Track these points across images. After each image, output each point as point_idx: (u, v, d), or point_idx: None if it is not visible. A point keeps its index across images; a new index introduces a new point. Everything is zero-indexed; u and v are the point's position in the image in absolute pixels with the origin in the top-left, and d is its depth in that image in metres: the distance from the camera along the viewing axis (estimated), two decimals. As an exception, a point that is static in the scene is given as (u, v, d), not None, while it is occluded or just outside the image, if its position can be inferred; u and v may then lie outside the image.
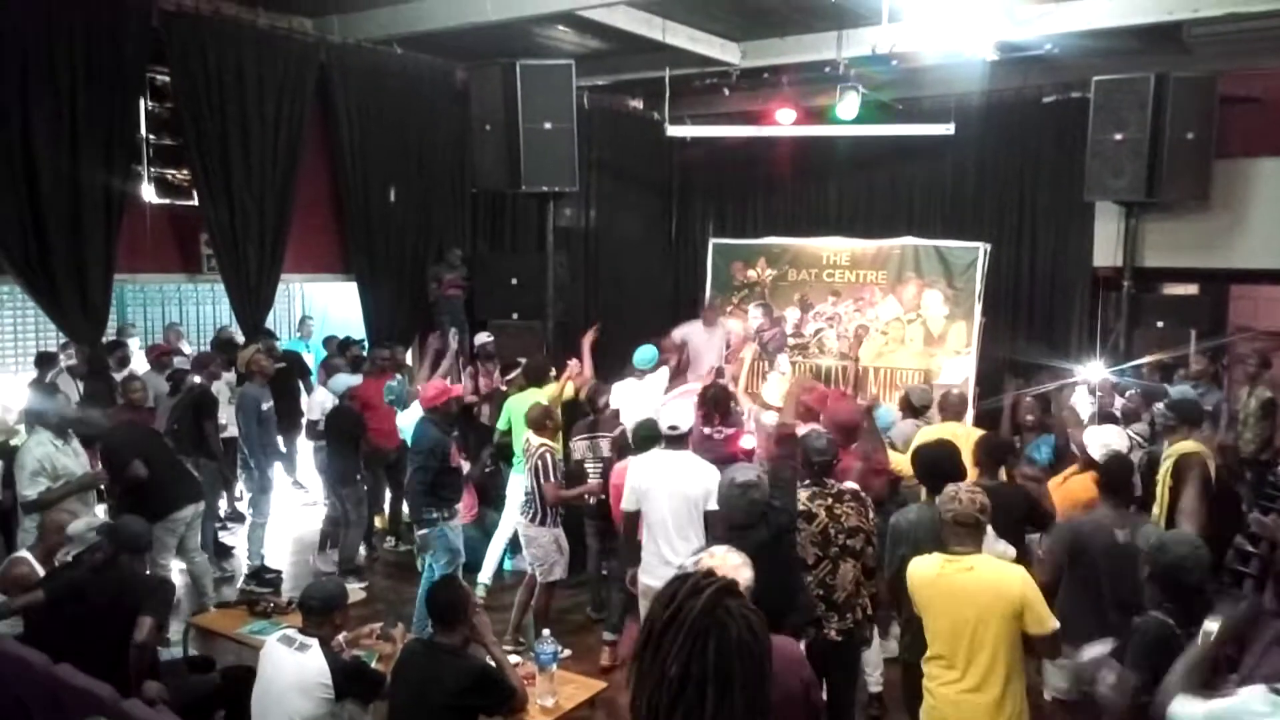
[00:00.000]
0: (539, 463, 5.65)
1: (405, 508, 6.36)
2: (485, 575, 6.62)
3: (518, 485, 6.42)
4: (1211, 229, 9.31)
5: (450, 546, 5.84)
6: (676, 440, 4.91)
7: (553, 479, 5.64)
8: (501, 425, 6.82)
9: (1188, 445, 5.02)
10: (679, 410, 5.09)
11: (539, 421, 5.83)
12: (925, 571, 3.39)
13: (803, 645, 3.79)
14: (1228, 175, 9.14)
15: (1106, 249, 9.88)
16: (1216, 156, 8.91)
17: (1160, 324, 9.16)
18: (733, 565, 2.94)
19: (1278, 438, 7.78)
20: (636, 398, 6.84)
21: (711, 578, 1.62)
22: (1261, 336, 9.21)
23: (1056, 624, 3.26)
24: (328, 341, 9.35)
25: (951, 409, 5.72)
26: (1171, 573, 3.01)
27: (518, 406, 6.53)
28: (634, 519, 4.88)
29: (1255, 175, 9.26)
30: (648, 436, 5.37)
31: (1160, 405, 5.82)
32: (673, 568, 4.53)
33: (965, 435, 5.10)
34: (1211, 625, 2.64)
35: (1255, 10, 7.37)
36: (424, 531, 5.80)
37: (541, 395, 6.46)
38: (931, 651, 3.39)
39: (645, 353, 7.37)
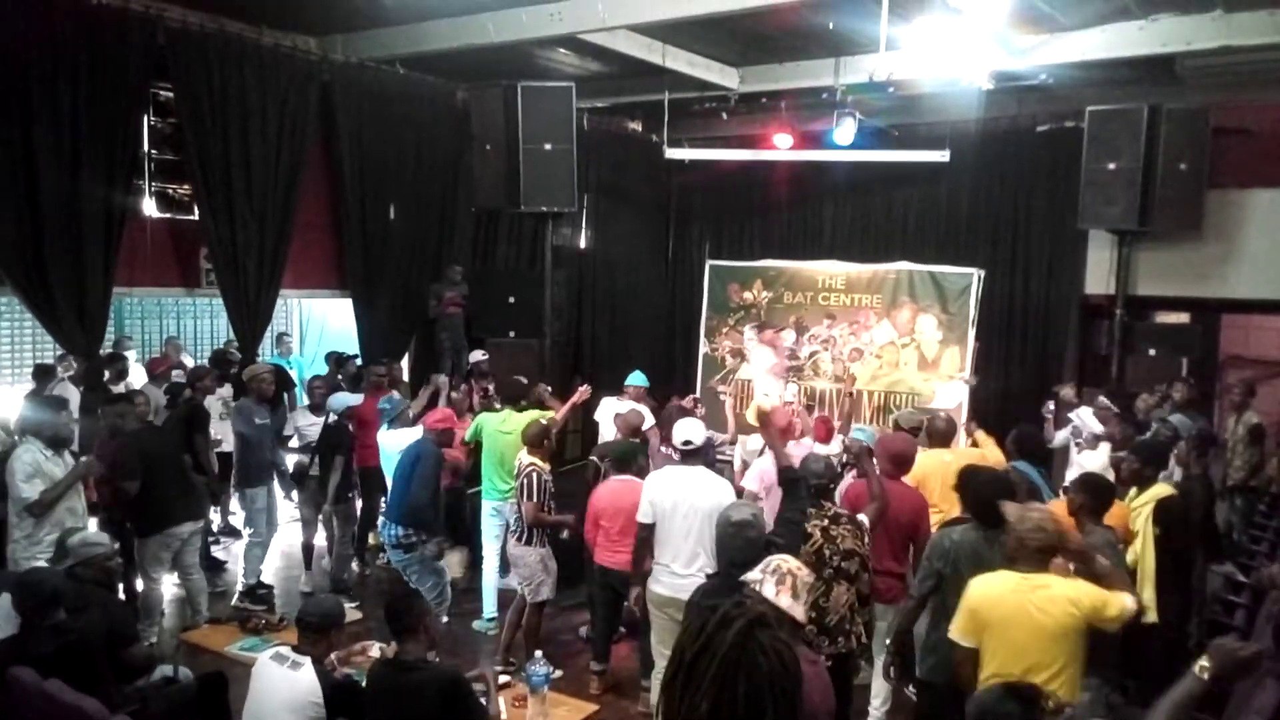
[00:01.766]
0: (525, 481, 5.62)
1: (384, 531, 6.12)
2: (490, 608, 6.53)
3: (486, 509, 6.44)
4: (1203, 258, 9.40)
5: (433, 569, 5.86)
6: (691, 455, 4.95)
7: (535, 499, 5.58)
8: (468, 437, 6.78)
9: (1163, 489, 5.02)
10: (692, 426, 5.12)
11: (536, 439, 5.81)
12: (998, 589, 3.43)
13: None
14: (1220, 206, 9.24)
15: (1099, 277, 9.96)
16: (1209, 187, 9.02)
17: (1152, 352, 9.23)
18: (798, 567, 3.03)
19: (1267, 464, 7.85)
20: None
21: (741, 609, 1.60)
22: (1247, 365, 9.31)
23: (1133, 603, 3.40)
24: (328, 357, 9.37)
25: (938, 435, 5.72)
26: None
27: (489, 424, 6.55)
28: (648, 531, 4.91)
29: (1247, 206, 9.36)
30: (622, 457, 5.43)
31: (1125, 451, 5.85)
32: (681, 579, 4.57)
33: (954, 462, 5.12)
34: (1205, 662, 2.62)
35: (1247, 44, 7.47)
36: (409, 555, 5.77)
37: (521, 418, 6.43)
38: (996, 670, 3.39)
39: (636, 377, 7.42)
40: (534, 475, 5.62)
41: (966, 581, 3.84)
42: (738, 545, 3.73)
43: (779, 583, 2.97)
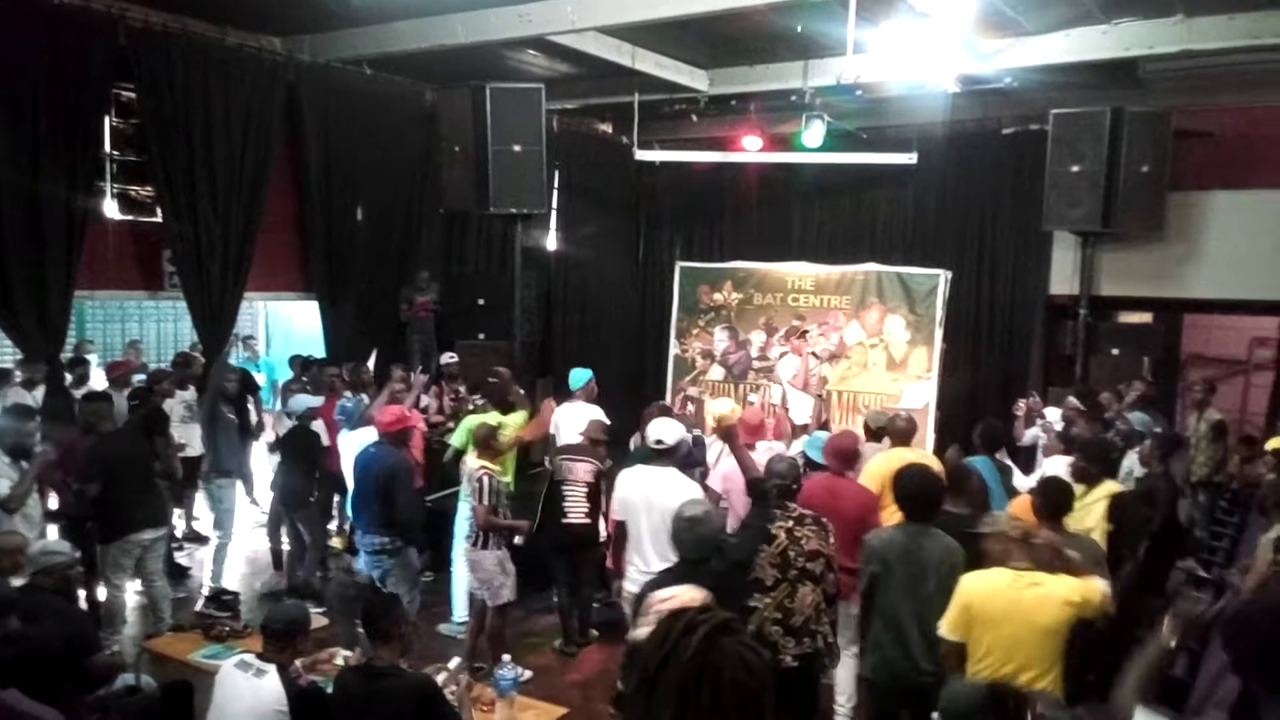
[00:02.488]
0: (475, 484, 5.57)
1: (363, 539, 5.96)
2: (460, 613, 6.48)
3: (462, 511, 6.33)
4: (1165, 259, 9.54)
5: (411, 576, 5.80)
6: (662, 455, 4.94)
7: (485, 502, 5.51)
8: (458, 443, 6.73)
9: (1114, 485, 5.15)
10: (665, 425, 5.11)
11: (483, 441, 5.79)
12: (991, 585, 3.47)
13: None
14: (1182, 207, 9.39)
15: (1063, 278, 10.09)
16: (1171, 189, 9.16)
17: (1115, 351, 9.36)
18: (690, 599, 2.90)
19: (1230, 462, 7.98)
20: (571, 419, 6.89)
21: (707, 614, 1.56)
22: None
23: (1106, 586, 3.50)
24: (293, 361, 9.28)
25: (898, 434, 5.76)
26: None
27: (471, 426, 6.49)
28: (622, 528, 4.91)
29: (1208, 207, 9.51)
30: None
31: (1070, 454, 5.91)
32: (650, 577, 4.57)
33: (915, 460, 5.14)
34: (1170, 624, 2.66)
35: (1208, 48, 7.59)
36: (391, 561, 5.69)
37: (506, 421, 6.43)
38: (985, 664, 3.45)
39: (578, 374, 7.40)
40: (484, 479, 5.55)
41: (899, 579, 3.92)
42: (689, 541, 3.73)
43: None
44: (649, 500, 4.86)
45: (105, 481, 5.69)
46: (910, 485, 4.16)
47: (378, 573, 5.74)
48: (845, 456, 5.16)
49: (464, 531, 6.25)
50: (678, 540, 3.79)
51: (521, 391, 7.40)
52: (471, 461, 5.73)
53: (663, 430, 4.99)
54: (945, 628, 3.58)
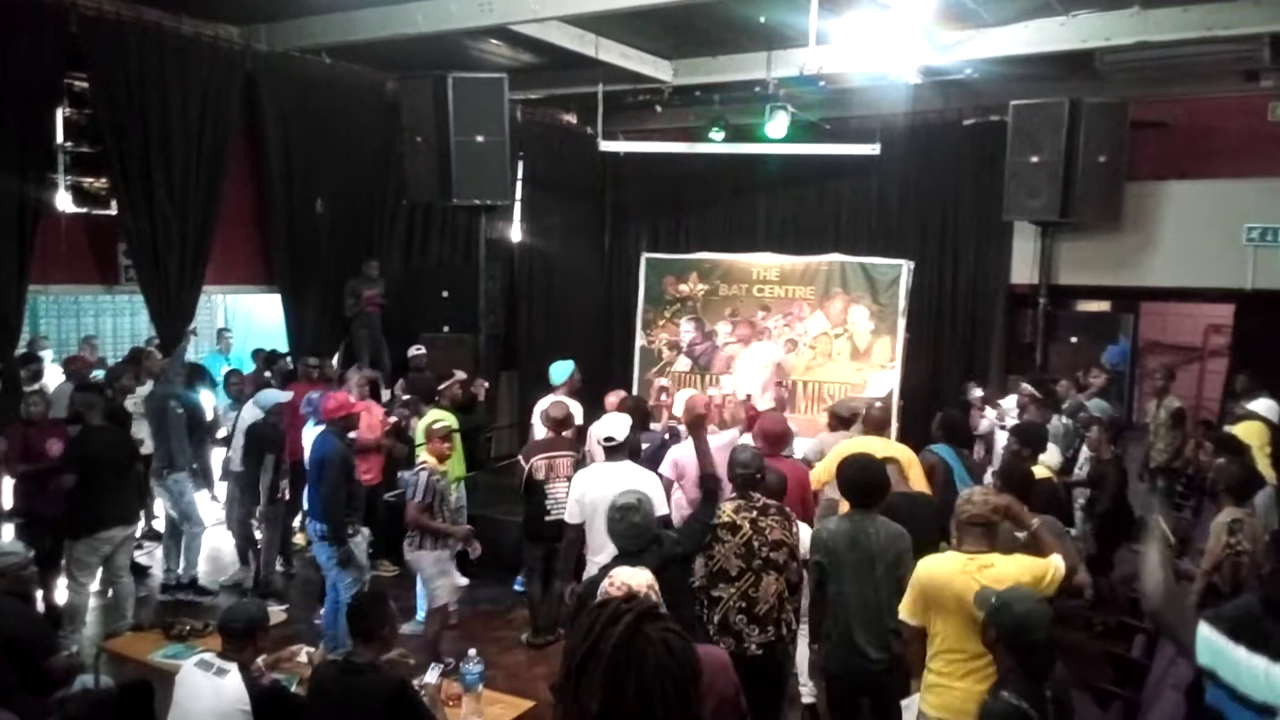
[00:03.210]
0: (412, 480, 5.47)
1: (310, 526, 5.97)
2: (421, 613, 6.35)
3: None
4: (1123, 248, 9.69)
5: (359, 563, 5.75)
6: (614, 451, 4.91)
7: (418, 499, 5.35)
8: (419, 440, 6.67)
9: (1040, 470, 5.21)
10: (615, 421, 5.07)
11: (431, 436, 5.73)
12: (944, 569, 3.49)
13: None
14: (1138, 197, 9.54)
15: (1024, 267, 10.21)
16: (1127, 179, 9.30)
17: (1074, 339, 9.51)
18: (639, 584, 2.86)
19: (1187, 447, 8.12)
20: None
21: (631, 603, 1.58)
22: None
23: (1061, 562, 3.49)
24: (255, 354, 9.14)
25: (874, 423, 5.82)
26: (1016, 632, 2.97)
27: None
28: (577, 531, 4.85)
29: (1164, 197, 9.67)
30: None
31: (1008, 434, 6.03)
32: None
33: (883, 448, 5.21)
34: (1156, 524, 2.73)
35: (1163, 39, 7.70)
36: (345, 548, 5.65)
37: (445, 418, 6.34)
38: (942, 647, 3.47)
39: (559, 367, 7.35)
40: (421, 475, 5.42)
41: (846, 568, 3.98)
42: (623, 530, 3.68)
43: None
44: (609, 498, 4.75)
45: (82, 474, 5.60)
46: (852, 473, 4.21)
47: (324, 557, 5.71)
48: (772, 439, 5.23)
49: None
50: (612, 531, 3.73)
51: (483, 386, 7.35)
52: (419, 455, 5.67)
53: (612, 427, 4.94)
54: (904, 612, 3.62)
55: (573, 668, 1.54)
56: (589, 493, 4.84)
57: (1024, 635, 2.94)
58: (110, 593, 6.15)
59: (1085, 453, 7.09)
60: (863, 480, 4.18)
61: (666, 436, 6.40)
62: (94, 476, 5.67)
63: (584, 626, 1.56)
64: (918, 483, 5.21)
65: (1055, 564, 3.49)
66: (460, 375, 7.47)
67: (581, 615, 1.61)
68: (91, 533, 5.66)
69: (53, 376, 7.91)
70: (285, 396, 7.29)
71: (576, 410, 6.83)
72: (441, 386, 7.22)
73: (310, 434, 6.55)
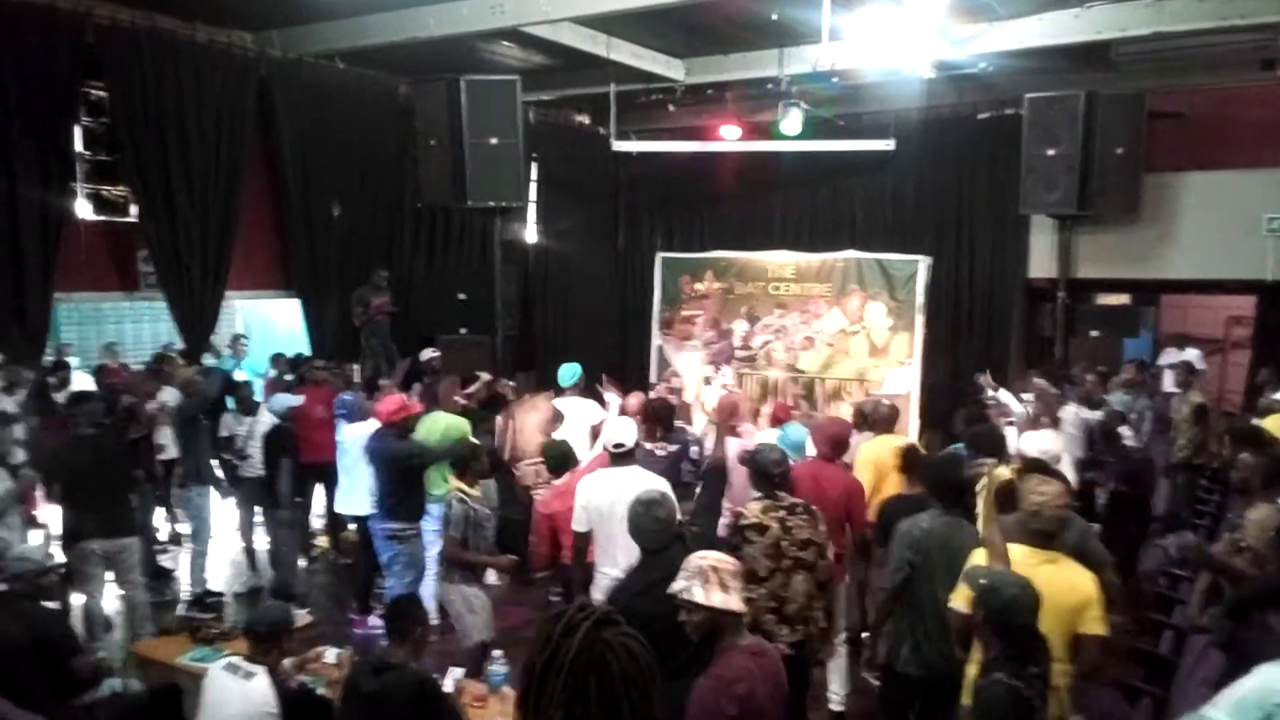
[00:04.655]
0: (445, 509, 5.02)
1: (372, 526, 5.88)
2: (431, 616, 6.36)
3: (429, 523, 5.97)
4: (1141, 241, 9.62)
5: (417, 563, 5.75)
6: (622, 457, 4.85)
7: (454, 531, 4.91)
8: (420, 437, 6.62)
9: (1003, 471, 5.09)
10: (624, 427, 5.03)
11: (462, 460, 5.19)
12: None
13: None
14: (1156, 189, 9.47)
15: (1041, 261, 10.16)
16: (1145, 171, 9.23)
17: (1094, 333, 9.44)
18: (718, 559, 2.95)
19: (1210, 442, 8.04)
20: (570, 415, 6.78)
21: (586, 610, 1.57)
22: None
23: (1107, 630, 3.37)
24: (274, 359, 9.16)
25: (881, 421, 5.77)
26: (1004, 614, 2.96)
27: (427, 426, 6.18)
28: (585, 540, 4.77)
29: (1182, 188, 9.60)
30: (557, 458, 5.33)
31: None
32: None
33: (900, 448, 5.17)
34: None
35: (1178, 30, 7.65)
36: (400, 548, 5.64)
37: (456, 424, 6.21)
38: None
39: (567, 370, 7.27)
40: (453, 503, 4.96)
41: (938, 568, 3.87)
42: (647, 526, 3.60)
43: (705, 582, 2.88)
44: (618, 504, 4.46)
45: (64, 484, 5.57)
46: (948, 473, 4.15)
47: (387, 556, 5.71)
48: (836, 443, 5.15)
49: (431, 540, 5.92)
50: (637, 529, 3.65)
51: (509, 385, 7.35)
52: (451, 480, 5.23)
53: (620, 433, 4.86)
54: (957, 599, 3.47)
55: (533, 679, 1.52)
56: (594, 499, 4.65)
57: (1013, 617, 2.93)
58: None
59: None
60: (955, 479, 4.12)
61: (692, 445, 6.30)
62: (75, 487, 5.57)
63: (540, 638, 1.55)
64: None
65: (1103, 630, 3.36)
66: (486, 376, 7.49)
67: (538, 626, 1.59)
68: (75, 542, 5.61)
69: (80, 385, 7.94)
70: (297, 400, 7.31)
71: (586, 412, 6.79)
72: (469, 390, 7.22)
73: (354, 433, 6.44)
